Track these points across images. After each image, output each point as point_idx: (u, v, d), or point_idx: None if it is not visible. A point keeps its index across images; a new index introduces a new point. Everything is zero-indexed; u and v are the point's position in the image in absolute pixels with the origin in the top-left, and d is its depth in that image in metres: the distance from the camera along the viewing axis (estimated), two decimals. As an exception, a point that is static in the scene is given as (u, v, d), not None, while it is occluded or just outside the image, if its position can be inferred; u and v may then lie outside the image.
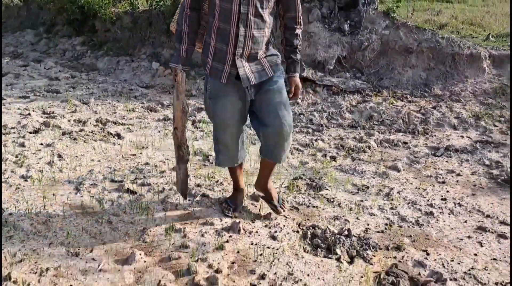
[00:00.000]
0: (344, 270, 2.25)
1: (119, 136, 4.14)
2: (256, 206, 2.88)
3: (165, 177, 3.26)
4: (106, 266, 2.17)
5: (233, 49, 2.28)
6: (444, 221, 2.85)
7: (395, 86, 5.65)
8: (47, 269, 2.08)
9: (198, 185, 3.12)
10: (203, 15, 2.42)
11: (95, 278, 2.08)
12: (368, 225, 2.76)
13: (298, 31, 2.46)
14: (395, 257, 2.41)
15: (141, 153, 3.77)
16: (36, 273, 2.06)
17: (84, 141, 3.96)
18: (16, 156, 3.48)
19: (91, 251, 2.29)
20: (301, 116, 5.01)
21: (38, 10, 11.11)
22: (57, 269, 2.11)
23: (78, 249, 2.29)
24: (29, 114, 4.68)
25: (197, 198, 2.91)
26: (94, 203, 2.81)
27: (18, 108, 4.91)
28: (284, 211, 2.73)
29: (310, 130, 4.60)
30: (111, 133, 4.19)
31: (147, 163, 3.51)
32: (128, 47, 8.13)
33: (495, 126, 4.66)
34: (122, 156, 3.67)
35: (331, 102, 5.35)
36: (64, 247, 2.30)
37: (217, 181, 3.23)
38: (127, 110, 5.09)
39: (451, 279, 2.22)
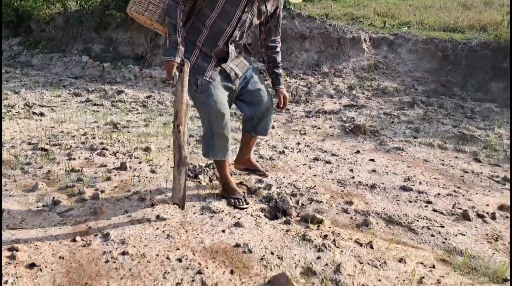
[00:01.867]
0: (201, 187, 3.01)
1: (42, 114, 4.73)
2: (146, 154, 3.59)
3: (74, 139, 3.90)
4: (15, 193, 2.82)
5: (222, 47, 2.43)
6: (291, 156, 3.69)
7: (292, 67, 6.53)
8: (-34, 194, 2.72)
9: (102, 143, 3.79)
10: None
11: (6, 200, 2.71)
12: (232, 162, 3.54)
13: (279, 49, 2.70)
14: (243, 178, 3.20)
15: (59, 125, 4.38)
16: (-43, 197, 2.69)
17: (10, 119, 4.52)
18: None
19: (5, 185, 2.93)
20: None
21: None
22: (-26, 196, 2.74)
23: (-6, 186, 2.92)
24: (-39, 102, 5.15)
25: (98, 151, 3.58)
26: (11, 158, 3.42)
27: (-49, 99, 5.35)
28: (268, 171, 3.09)
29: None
30: (35, 113, 4.77)
31: (62, 131, 4.14)
32: (61, 44, 8.59)
33: (363, 93, 5.63)
34: (42, 128, 4.27)
35: (236, 82, 6.14)
36: (-18, 185, 2.92)
37: (119, 140, 3.92)
38: (54, 96, 5.65)
39: (276, 187, 3.04)
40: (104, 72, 7.00)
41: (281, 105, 2.73)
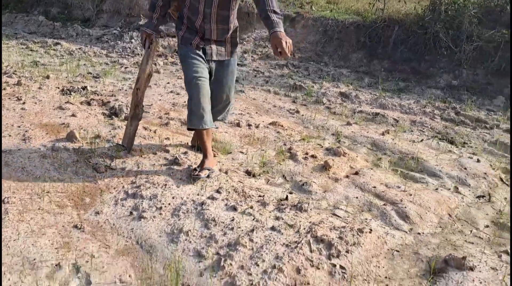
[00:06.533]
0: (71, 97, 4.09)
1: (-17, 53, 5.76)
2: (44, 79, 4.65)
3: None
4: None
5: (201, 23, 2.51)
6: (156, 91, 4.77)
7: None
8: None
9: (15, 71, 4.84)
10: None
11: None
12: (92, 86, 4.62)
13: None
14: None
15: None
16: None
17: (-45, 54, 5.55)
18: None
19: None
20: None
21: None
22: None
23: None
24: None
25: (8, 74, 4.64)
26: None
27: None
28: (217, 155, 3.04)
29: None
30: (-22, 52, 5.80)
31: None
32: (26, 6, 9.52)
33: (252, 57, 6.69)
34: (-23, 61, 5.32)
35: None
36: None
37: (30, 71, 4.97)
38: (4, 44, 6.66)
39: (125, 104, 4.12)
40: (54, 30, 7.99)
41: (276, 52, 2.31)
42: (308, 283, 1.87)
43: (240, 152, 3.30)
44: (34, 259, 1.87)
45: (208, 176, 2.71)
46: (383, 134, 3.94)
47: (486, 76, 5.59)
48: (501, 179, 3.28)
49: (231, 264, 1.93)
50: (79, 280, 1.80)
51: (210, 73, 2.67)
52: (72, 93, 4.25)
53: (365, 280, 1.97)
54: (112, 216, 2.26)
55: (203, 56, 2.59)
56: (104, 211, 2.30)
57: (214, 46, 2.60)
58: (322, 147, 3.51)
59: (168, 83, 5.11)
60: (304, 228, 2.23)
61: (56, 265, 1.85)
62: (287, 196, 2.62)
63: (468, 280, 1.98)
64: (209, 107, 2.58)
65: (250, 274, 1.88)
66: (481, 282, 1.98)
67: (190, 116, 2.55)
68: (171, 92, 4.71)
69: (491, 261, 2.17)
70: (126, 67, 5.75)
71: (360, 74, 6.07)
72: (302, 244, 2.09)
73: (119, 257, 1.96)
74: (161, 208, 2.33)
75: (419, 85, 5.69)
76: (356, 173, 3.12)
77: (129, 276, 1.85)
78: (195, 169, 2.72)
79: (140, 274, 1.87)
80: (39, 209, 2.25)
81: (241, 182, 2.75)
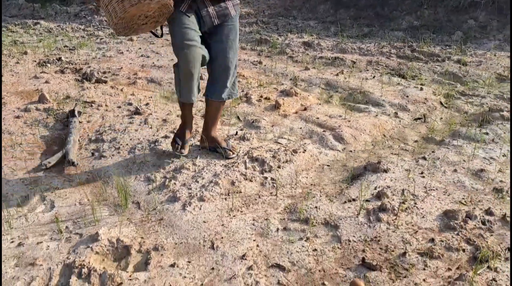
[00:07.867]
0: (47, 68, 4.30)
1: (-36, 37, 5.94)
2: (22, 55, 4.85)
3: (-23, 49, 5.16)
4: None
5: None
6: (127, 55, 4.96)
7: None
8: None
9: (-6, 50, 5.04)
10: None
11: None
12: (78, 58, 4.82)
13: None
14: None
15: (-27, 43, 5.62)
16: None
17: None
18: None
19: None
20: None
21: None
22: None
23: None
24: None
25: (-12, 54, 4.85)
26: None
27: None
28: (233, 154, 2.46)
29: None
30: (-40, 37, 5.97)
31: (-29, 46, 5.38)
32: (6, -10, 9.56)
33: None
34: (-41, 45, 5.50)
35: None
36: None
37: (9, 49, 5.17)
38: (-17, 28, 6.82)
39: (95, 69, 4.33)
40: (34, 11, 8.08)
41: None
42: (240, 192, 2.16)
43: (200, 101, 3.53)
44: (7, 193, 2.16)
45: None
46: (337, 74, 4.14)
47: (446, 14, 5.69)
48: (441, 103, 3.51)
49: (175, 183, 2.21)
50: (45, 206, 2.09)
51: (206, 40, 2.23)
52: (47, 64, 4.46)
53: (292, 187, 2.24)
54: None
55: (195, 20, 2.15)
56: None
57: (210, 9, 2.17)
58: (277, 90, 3.73)
59: (140, 48, 5.28)
60: (243, 152, 2.50)
61: (25, 197, 2.14)
62: (237, 132, 2.87)
63: (381, 179, 2.25)
64: (198, 76, 2.22)
65: (190, 189, 2.16)
66: (391, 180, 2.25)
67: (181, 89, 2.24)
68: (142, 56, 4.90)
69: (407, 165, 2.43)
70: (101, 39, 5.91)
71: (327, 24, 6.18)
72: (238, 164, 2.36)
73: (80, 187, 2.24)
74: (119, 148, 2.60)
75: (382, 29, 5.81)
76: (305, 109, 3.35)
77: (88, 200, 2.13)
78: (176, 145, 2.42)
79: (97, 198, 2.15)
80: (12, 157, 2.53)
81: (196, 124, 3.00)
